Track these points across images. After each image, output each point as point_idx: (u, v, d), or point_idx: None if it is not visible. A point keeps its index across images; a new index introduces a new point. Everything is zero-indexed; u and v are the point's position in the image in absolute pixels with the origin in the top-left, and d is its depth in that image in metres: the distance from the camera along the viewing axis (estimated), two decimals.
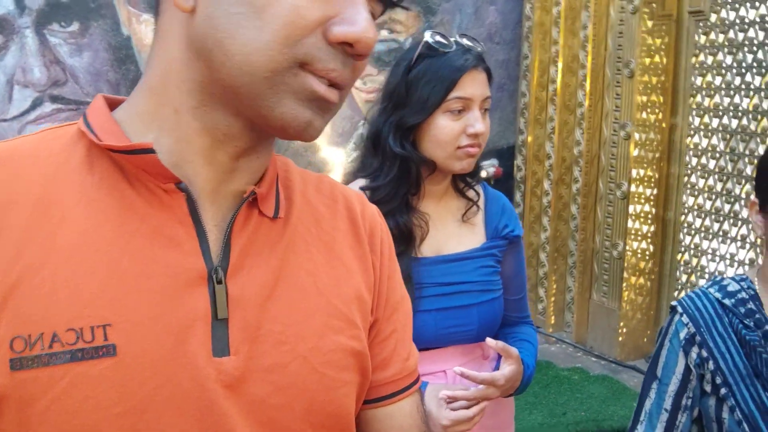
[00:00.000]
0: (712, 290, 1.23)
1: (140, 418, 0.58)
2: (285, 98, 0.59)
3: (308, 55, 0.58)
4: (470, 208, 1.47)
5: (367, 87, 3.89)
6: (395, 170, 1.37)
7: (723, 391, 1.16)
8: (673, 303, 1.26)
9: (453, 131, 1.34)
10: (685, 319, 1.21)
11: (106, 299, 0.58)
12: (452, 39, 1.36)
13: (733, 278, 1.24)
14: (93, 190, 0.61)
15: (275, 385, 0.64)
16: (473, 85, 1.35)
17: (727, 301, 1.20)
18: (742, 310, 1.18)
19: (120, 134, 0.62)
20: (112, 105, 0.68)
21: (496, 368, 1.36)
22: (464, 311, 1.39)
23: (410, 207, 1.40)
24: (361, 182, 1.41)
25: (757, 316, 1.17)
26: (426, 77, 1.35)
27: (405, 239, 1.36)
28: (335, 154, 3.92)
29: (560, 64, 4.05)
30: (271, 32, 0.57)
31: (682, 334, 1.21)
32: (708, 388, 1.18)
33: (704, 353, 1.18)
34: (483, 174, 4.27)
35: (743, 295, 1.20)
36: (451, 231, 1.46)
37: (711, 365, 1.17)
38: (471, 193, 1.49)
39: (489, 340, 1.32)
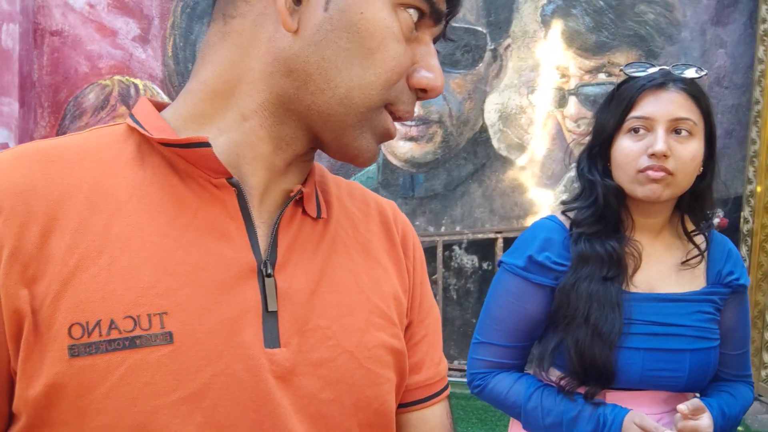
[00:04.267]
0: None
1: (197, 406, 0.58)
2: (366, 132, 0.66)
3: (396, 98, 0.65)
4: (695, 257, 1.35)
5: (580, 129, 3.85)
6: (593, 195, 1.34)
7: None
8: None
9: (631, 152, 1.27)
10: None
11: (162, 289, 0.58)
12: (660, 66, 1.31)
13: None
14: (145, 185, 0.62)
15: (325, 380, 0.65)
16: (656, 104, 1.27)
17: None
18: None
19: (170, 131, 0.64)
20: (157, 108, 0.69)
21: None
22: (675, 356, 1.30)
23: (620, 234, 1.34)
24: (563, 207, 1.42)
25: None
26: (615, 101, 1.32)
27: (615, 265, 1.31)
28: (544, 195, 3.90)
29: None
30: (376, 74, 0.63)
31: None
32: None
33: None
34: None
35: None
36: (668, 270, 1.36)
37: None
38: (699, 239, 1.37)
39: (681, 407, 1.24)
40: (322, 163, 0.77)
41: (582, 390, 1.31)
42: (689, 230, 1.38)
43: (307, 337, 0.65)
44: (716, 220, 4.03)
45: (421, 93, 0.67)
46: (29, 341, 0.56)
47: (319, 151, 0.71)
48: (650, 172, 1.25)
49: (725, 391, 1.39)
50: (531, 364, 1.44)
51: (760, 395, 3.84)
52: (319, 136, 0.66)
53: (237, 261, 0.63)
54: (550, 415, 1.32)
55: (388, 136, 0.68)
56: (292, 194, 0.68)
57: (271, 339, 0.63)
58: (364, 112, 0.64)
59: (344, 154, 0.67)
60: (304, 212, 0.70)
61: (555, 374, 1.36)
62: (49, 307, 0.56)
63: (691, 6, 3.93)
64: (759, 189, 3.96)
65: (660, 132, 1.26)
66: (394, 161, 4.10)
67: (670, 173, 1.26)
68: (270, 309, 0.63)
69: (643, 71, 1.31)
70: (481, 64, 3.88)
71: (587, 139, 1.41)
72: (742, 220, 4.12)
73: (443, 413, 0.81)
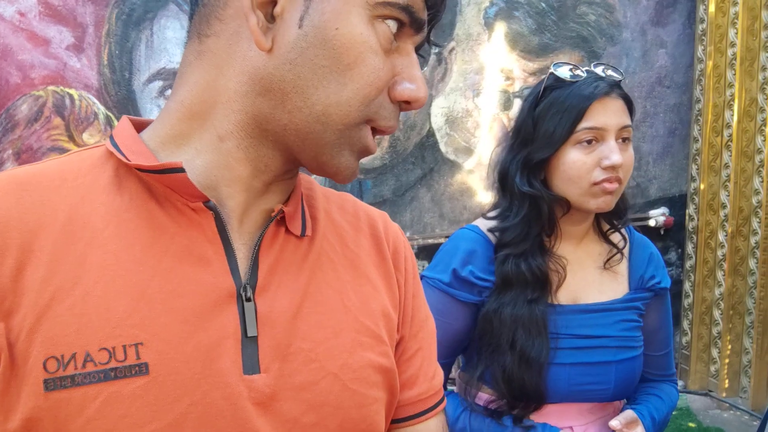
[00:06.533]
0: None
1: None
2: (344, 149, 0.64)
3: (376, 113, 0.63)
4: (614, 256, 1.34)
5: None
6: (525, 210, 1.28)
7: None
8: None
9: (585, 165, 1.22)
10: None
11: (138, 318, 0.58)
12: (584, 68, 1.27)
13: None
14: (122, 210, 0.61)
15: (308, 404, 0.64)
16: (605, 114, 1.22)
17: None
18: None
19: (148, 154, 0.63)
20: (138, 127, 0.68)
21: None
22: (601, 368, 1.27)
23: (545, 249, 1.30)
24: (489, 223, 1.34)
25: None
26: (553, 109, 1.25)
27: (540, 284, 1.27)
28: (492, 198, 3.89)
29: (736, 108, 3.79)
30: (353, 90, 0.60)
31: None
32: None
33: None
34: (652, 223, 4.07)
35: None
36: (591, 278, 1.34)
37: None
38: (616, 238, 1.36)
39: (613, 422, 1.24)
40: None
41: (512, 412, 1.29)
42: (605, 230, 1.36)
43: (289, 360, 0.64)
44: (662, 219, 4.08)
45: (404, 105, 0.65)
46: (6, 375, 0.55)
47: None
48: (607, 185, 1.22)
49: (653, 394, 1.38)
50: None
51: (710, 391, 3.90)
52: (296, 156, 0.65)
53: (215, 286, 0.62)
54: None
55: (366, 152, 0.66)
56: (272, 214, 0.66)
57: (251, 365, 0.62)
58: (342, 130, 0.62)
59: (323, 171, 0.66)
60: (288, 231, 0.69)
61: (486, 390, 1.32)
62: (24, 341, 0.55)
63: (631, 7, 3.98)
64: (702, 186, 4.02)
65: (612, 143, 1.22)
66: None
67: (620, 182, 1.24)
68: (249, 334, 0.62)
69: (578, 76, 1.27)
70: (426, 68, 3.85)
71: (504, 145, 1.35)
72: (687, 217, 4.18)
73: (438, 427, 0.79)
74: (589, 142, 1.24)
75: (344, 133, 0.62)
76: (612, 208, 1.27)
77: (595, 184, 1.23)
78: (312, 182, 0.78)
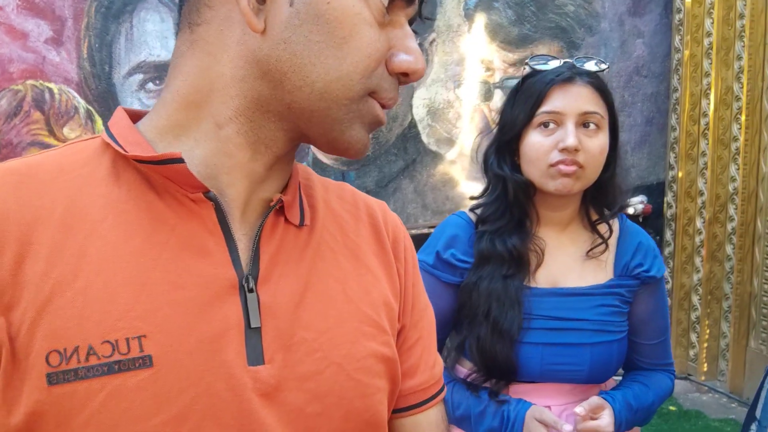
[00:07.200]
0: None
1: (179, 429, 0.57)
2: (354, 123, 0.63)
3: (377, 85, 0.63)
4: (598, 245, 1.37)
5: None
6: (498, 190, 1.35)
7: None
8: None
9: (542, 147, 1.28)
10: None
11: (140, 311, 0.57)
12: (563, 60, 1.33)
13: None
14: (121, 202, 0.60)
15: (312, 393, 0.64)
16: (564, 99, 1.27)
17: None
18: None
19: (145, 145, 0.62)
20: (133, 118, 0.67)
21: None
22: (575, 350, 1.31)
23: (524, 230, 1.35)
24: (473, 203, 1.42)
25: None
26: (521, 96, 1.32)
27: (515, 263, 1.32)
28: (474, 188, 3.90)
29: (712, 97, 3.85)
30: (352, 63, 0.60)
31: None
32: None
33: None
34: (630, 211, 4.11)
35: None
36: (573, 263, 1.37)
37: None
38: (603, 228, 1.39)
39: (577, 409, 1.27)
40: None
41: (489, 384, 1.33)
42: (593, 219, 1.40)
43: (292, 351, 0.63)
44: (640, 207, 4.14)
45: (403, 77, 0.65)
46: (8, 370, 0.55)
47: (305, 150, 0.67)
48: (562, 167, 1.26)
49: (638, 381, 1.41)
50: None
51: (689, 374, 3.97)
52: (305, 133, 0.64)
53: (217, 277, 0.61)
54: (460, 408, 1.34)
55: (378, 123, 0.65)
56: (271, 204, 0.66)
57: (255, 356, 0.61)
58: (347, 104, 0.62)
59: (334, 148, 0.65)
60: (287, 221, 0.68)
61: (467, 365, 1.38)
62: (25, 335, 0.54)
63: None
64: (680, 174, 4.08)
65: (570, 126, 1.26)
66: (324, 159, 4.05)
67: (580, 166, 1.27)
68: (253, 325, 0.62)
69: (545, 63, 1.32)
70: None
71: (493, 133, 1.41)
72: (665, 205, 4.24)
73: (438, 417, 0.79)
74: (547, 125, 1.29)
75: (351, 108, 0.62)
76: (573, 191, 1.30)
77: (552, 165, 1.27)
78: (309, 172, 0.77)
